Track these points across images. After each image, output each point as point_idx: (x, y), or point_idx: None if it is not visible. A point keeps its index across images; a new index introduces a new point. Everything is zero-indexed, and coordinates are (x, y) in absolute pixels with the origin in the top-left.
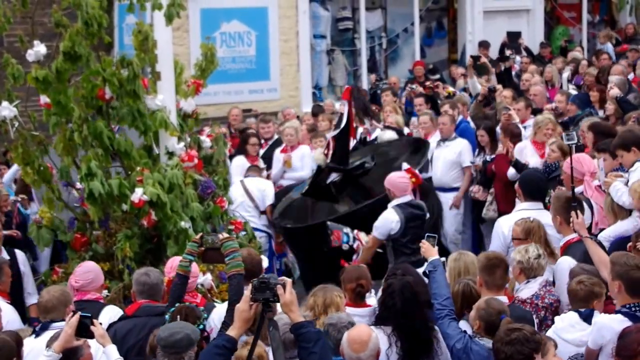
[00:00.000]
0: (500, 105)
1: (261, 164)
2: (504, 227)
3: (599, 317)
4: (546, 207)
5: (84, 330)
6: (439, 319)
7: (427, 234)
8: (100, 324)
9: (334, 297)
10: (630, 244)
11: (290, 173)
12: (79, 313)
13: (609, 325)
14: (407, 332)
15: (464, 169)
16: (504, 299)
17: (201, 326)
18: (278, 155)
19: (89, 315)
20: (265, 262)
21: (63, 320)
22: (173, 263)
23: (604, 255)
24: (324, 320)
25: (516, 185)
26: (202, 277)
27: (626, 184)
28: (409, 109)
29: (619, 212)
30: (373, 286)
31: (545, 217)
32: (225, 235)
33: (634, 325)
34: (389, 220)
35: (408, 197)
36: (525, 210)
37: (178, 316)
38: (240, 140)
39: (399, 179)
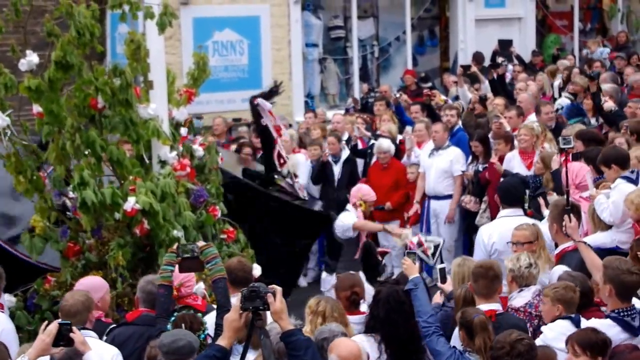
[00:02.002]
0: (491, 113)
1: None
2: (484, 235)
3: (589, 322)
4: (526, 214)
5: (62, 338)
6: (426, 337)
7: (406, 251)
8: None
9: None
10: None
11: None
12: (57, 321)
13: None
14: (393, 341)
15: (455, 178)
16: (495, 306)
17: (205, 332)
18: None
19: (68, 322)
20: (258, 270)
21: (84, 328)
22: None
23: (597, 260)
24: (316, 335)
25: (495, 195)
26: (195, 286)
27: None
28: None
29: (598, 223)
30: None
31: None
32: (203, 243)
33: (624, 345)
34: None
35: None
36: (506, 217)
37: (183, 324)
38: (235, 150)
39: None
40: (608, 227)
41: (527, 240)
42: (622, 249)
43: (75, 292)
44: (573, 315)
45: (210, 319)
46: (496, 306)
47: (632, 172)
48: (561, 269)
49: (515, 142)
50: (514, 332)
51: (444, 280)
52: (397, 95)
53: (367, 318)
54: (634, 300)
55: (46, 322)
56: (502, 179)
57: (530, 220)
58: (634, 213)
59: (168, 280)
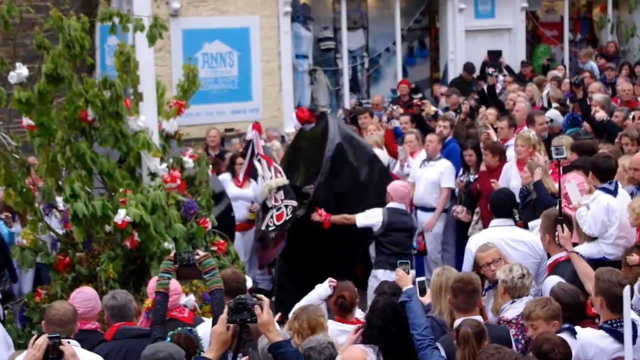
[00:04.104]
0: (481, 125)
1: (253, 183)
2: (472, 244)
3: (581, 332)
4: (517, 224)
5: (52, 352)
6: (420, 350)
7: (399, 261)
8: (68, 341)
9: (318, 319)
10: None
11: None
12: (46, 335)
13: (592, 341)
14: (391, 351)
15: (441, 190)
16: (476, 318)
17: (201, 354)
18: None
19: (57, 335)
20: (249, 282)
21: (68, 337)
22: (154, 284)
23: (590, 270)
24: (303, 345)
25: (488, 205)
26: (185, 298)
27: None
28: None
29: (584, 234)
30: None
31: (515, 233)
32: (202, 253)
33: None
34: (373, 214)
35: (402, 206)
36: (496, 226)
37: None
38: (229, 161)
39: (400, 187)
40: (594, 237)
41: (499, 256)
42: (609, 260)
43: (62, 301)
44: (568, 326)
45: (201, 331)
46: (477, 319)
47: (610, 183)
48: (554, 279)
49: (511, 153)
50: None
51: (423, 293)
52: (394, 108)
53: (365, 327)
54: (632, 315)
55: (35, 336)
56: (492, 192)
57: (520, 231)
58: (634, 221)
59: (164, 288)
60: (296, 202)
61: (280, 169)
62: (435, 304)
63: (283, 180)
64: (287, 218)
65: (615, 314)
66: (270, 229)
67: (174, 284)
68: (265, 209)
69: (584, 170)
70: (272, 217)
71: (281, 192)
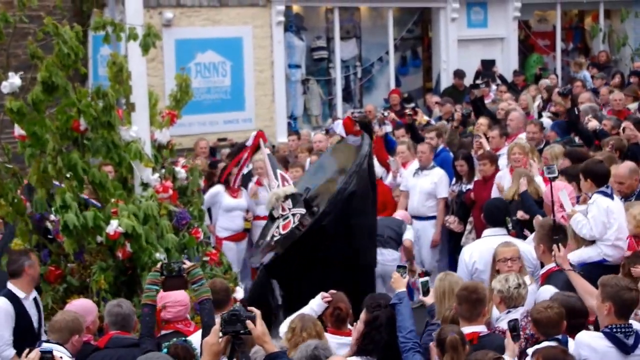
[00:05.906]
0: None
1: (243, 193)
2: (466, 254)
3: (580, 334)
4: (509, 234)
5: None
6: (403, 352)
7: (397, 264)
8: (61, 357)
9: (315, 326)
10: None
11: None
12: (38, 349)
13: (587, 342)
14: None
15: (438, 200)
16: (479, 328)
17: None
18: (252, 187)
19: (50, 350)
20: (241, 293)
21: (58, 344)
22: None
23: (588, 285)
24: (298, 355)
25: (482, 214)
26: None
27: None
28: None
29: (581, 239)
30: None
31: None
32: (190, 263)
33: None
34: None
35: None
36: (490, 236)
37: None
38: (222, 169)
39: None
40: (592, 241)
41: (518, 256)
42: (609, 262)
43: (66, 311)
44: (560, 336)
45: (193, 340)
46: (480, 328)
47: (607, 187)
48: (548, 289)
49: (504, 161)
50: (490, 352)
51: (426, 294)
52: (386, 114)
53: (364, 342)
54: (636, 325)
55: (27, 349)
56: (486, 202)
57: (514, 240)
58: (634, 228)
59: (152, 300)
60: (304, 210)
61: (287, 177)
62: (440, 309)
63: (291, 188)
64: (293, 226)
65: (620, 319)
66: (276, 238)
67: (182, 295)
68: (272, 219)
69: (569, 177)
70: (278, 227)
71: (289, 201)
